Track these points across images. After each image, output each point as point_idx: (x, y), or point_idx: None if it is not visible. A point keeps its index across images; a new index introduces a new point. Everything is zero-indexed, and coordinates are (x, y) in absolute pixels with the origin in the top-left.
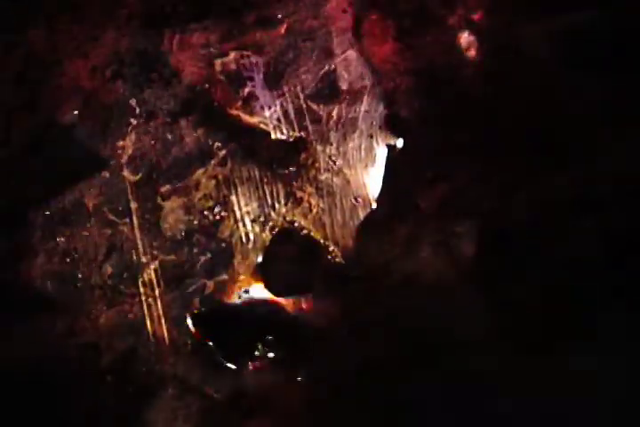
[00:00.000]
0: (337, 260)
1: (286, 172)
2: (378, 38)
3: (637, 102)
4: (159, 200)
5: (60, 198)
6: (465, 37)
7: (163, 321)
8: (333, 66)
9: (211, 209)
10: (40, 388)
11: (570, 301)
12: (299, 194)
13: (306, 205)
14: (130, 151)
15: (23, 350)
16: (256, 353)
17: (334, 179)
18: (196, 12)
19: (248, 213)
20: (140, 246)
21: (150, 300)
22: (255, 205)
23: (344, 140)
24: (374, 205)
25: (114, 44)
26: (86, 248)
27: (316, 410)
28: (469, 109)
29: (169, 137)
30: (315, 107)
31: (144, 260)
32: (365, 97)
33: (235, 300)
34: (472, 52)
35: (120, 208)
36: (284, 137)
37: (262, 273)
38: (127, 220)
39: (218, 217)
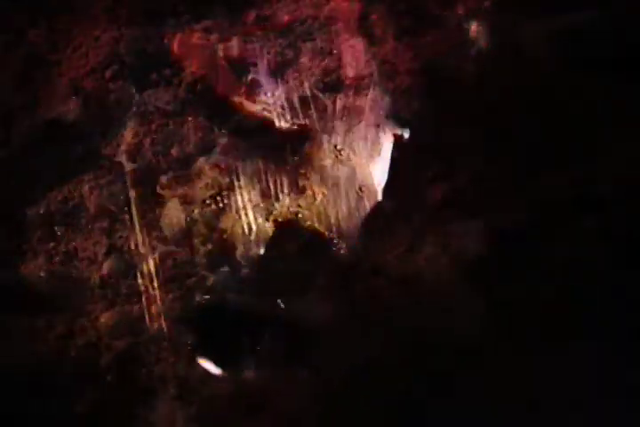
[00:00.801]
0: (341, 252)
1: (290, 161)
2: (378, 38)
3: (637, 102)
4: (159, 190)
5: (60, 198)
6: (465, 37)
7: (163, 321)
8: (338, 55)
9: (213, 198)
10: (40, 388)
11: (570, 301)
12: (302, 184)
13: (310, 194)
14: (130, 151)
15: (23, 350)
16: (256, 352)
17: (339, 169)
18: (196, 12)
19: (251, 203)
20: (140, 245)
21: (150, 299)
22: (258, 195)
23: (349, 129)
24: (379, 197)
25: (114, 44)
26: (86, 248)
27: (316, 410)
28: (469, 109)
29: (170, 134)
30: (320, 95)
31: (144, 256)
32: (372, 86)
33: (235, 295)
34: (472, 52)
35: (120, 208)
36: (287, 125)
37: (264, 265)
38: (127, 217)
39: (220, 206)
